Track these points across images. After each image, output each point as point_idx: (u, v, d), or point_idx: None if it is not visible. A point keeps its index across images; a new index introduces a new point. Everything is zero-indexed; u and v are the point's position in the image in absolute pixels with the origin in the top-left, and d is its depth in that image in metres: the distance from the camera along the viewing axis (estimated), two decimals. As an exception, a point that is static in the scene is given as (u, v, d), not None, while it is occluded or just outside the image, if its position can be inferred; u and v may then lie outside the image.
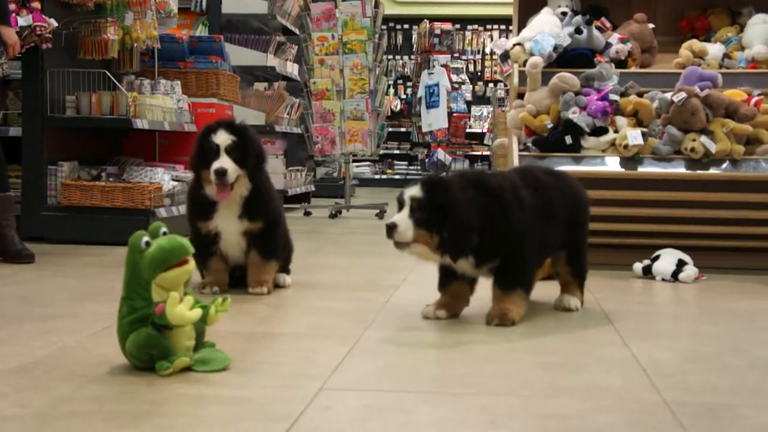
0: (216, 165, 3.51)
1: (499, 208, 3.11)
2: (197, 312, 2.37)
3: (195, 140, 3.65)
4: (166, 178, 5.83)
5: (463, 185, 3.11)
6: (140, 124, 5.63)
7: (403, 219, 3.00)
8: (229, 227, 3.65)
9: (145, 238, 2.39)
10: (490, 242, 3.10)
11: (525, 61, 5.18)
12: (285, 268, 3.99)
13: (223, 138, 3.54)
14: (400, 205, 3.06)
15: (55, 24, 5.29)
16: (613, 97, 4.77)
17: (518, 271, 3.20)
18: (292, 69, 9.39)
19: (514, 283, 3.20)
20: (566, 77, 4.87)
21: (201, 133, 3.62)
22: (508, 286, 3.19)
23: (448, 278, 3.28)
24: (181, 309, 2.33)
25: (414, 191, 3.03)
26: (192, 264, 2.40)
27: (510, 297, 3.18)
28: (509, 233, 3.12)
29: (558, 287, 3.58)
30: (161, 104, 5.96)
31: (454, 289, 3.28)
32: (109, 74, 5.72)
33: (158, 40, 6.24)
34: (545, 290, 3.69)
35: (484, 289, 3.31)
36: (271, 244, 3.73)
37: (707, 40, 5.54)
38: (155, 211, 5.49)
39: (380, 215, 8.11)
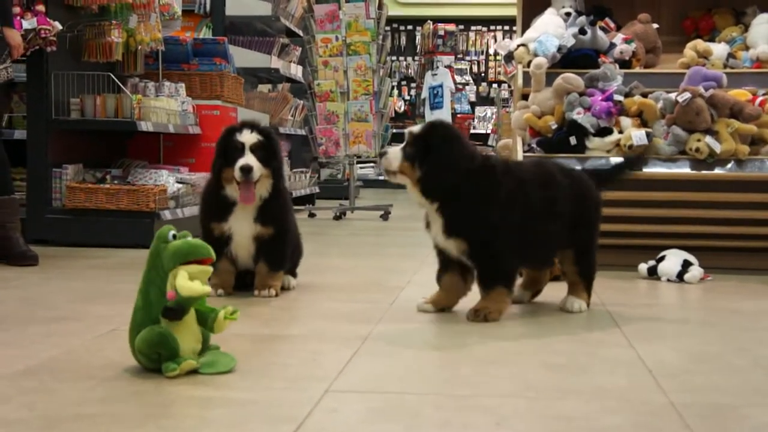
0: (241, 162, 3.52)
1: (487, 187, 3.20)
2: (206, 288, 2.40)
3: (217, 140, 3.65)
4: (170, 181, 5.83)
5: (469, 146, 3.28)
6: (145, 126, 5.64)
7: (394, 149, 3.22)
8: (243, 230, 3.64)
9: (173, 232, 2.43)
10: (460, 212, 3.18)
11: (529, 62, 5.18)
12: (292, 272, 3.99)
13: (248, 137, 3.56)
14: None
15: (60, 27, 5.30)
16: (618, 97, 4.76)
17: (496, 268, 3.26)
18: (296, 71, 9.40)
19: (493, 281, 3.26)
20: (570, 78, 4.86)
21: (224, 133, 3.64)
22: (488, 284, 3.26)
23: (442, 270, 3.37)
24: (191, 283, 2.36)
25: (416, 128, 3.26)
26: (211, 268, 2.44)
27: (490, 295, 3.25)
28: (483, 217, 3.19)
29: (564, 288, 3.57)
30: (165, 106, 5.97)
31: (446, 282, 3.38)
32: (113, 77, 5.73)
33: (162, 43, 6.25)
34: (551, 291, 3.68)
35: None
36: (279, 255, 3.73)
37: (711, 40, 5.53)
38: (160, 213, 5.49)
39: (385, 217, 8.11)
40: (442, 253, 3.33)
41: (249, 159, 3.53)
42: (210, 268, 2.44)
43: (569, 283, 3.55)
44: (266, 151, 3.58)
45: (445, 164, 3.15)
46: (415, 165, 3.17)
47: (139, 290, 2.45)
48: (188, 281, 2.36)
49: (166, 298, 2.38)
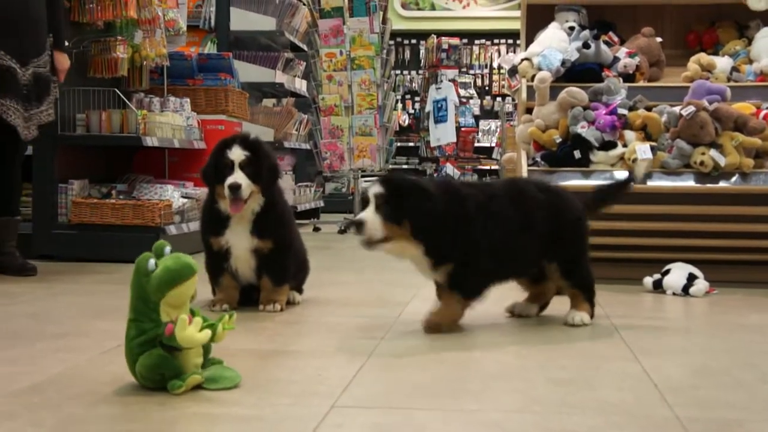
0: (230, 180, 3.53)
1: (459, 213, 3.20)
2: (206, 333, 2.38)
3: (209, 155, 3.67)
4: (175, 196, 5.85)
5: (427, 183, 3.26)
6: (150, 141, 5.66)
7: (369, 215, 3.08)
8: (240, 243, 3.65)
9: (152, 261, 2.39)
10: (445, 245, 3.17)
11: (533, 76, 5.19)
12: (298, 289, 3.99)
13: (237, 153, 3.56)
14: (365, 204, 3.14)
15: (65, 43, 5.32)
16: (622, 111, 4.77)
17: (466, 278, 3.26)
18: (301, 85, 9.43)
19: (456, 287, 3.26)
20: (574, 92, 4.87)
21: (215, 148, 3.65)
22: (451, 288, 3.26)
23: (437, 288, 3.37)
24: (191, 332, 2.34)
25: (376, 188, 3.13)
26: (195, 278, 2.42)
27: (446, 301, 3.28)
28: (465, 240, 3.19)
29: (562, 302, 3.57)
30: (171, 122, 5.98)
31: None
32: (118, 92, 5.75)
33: (167, 58, 6.28)
34: (555, 305, 3.68)
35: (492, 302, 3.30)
36: (282, 271, 3.73)
37: (715, 53, 5.54)
38: (165, 228, 5.50)
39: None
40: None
41: (237, 176, 3.53)
42: (194, 279, 2.41)
43: (569, 296, 3.55)
44: (255, 167, 3.57)
45: (428, 204, 3.13)
46: (402, 221, 3.09)
47: (130, 320, 2.42)
48: (188, 331, 2.33)
49: (163, 332, 2.35)
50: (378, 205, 3.09)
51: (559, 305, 3.63)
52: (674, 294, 4.36)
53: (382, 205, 3.09)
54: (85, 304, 3.90)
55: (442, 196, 3.19)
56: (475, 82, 15.49)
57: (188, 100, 6.42)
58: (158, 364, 2.35)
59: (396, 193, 3.11)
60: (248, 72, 8.23)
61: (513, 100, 10.52)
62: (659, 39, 5.57)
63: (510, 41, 15.39)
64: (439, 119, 12.81)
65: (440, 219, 3.14)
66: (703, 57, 5.35)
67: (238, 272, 3.71)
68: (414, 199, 3.12)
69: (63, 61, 4.95)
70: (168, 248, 2.43)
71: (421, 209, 3.11)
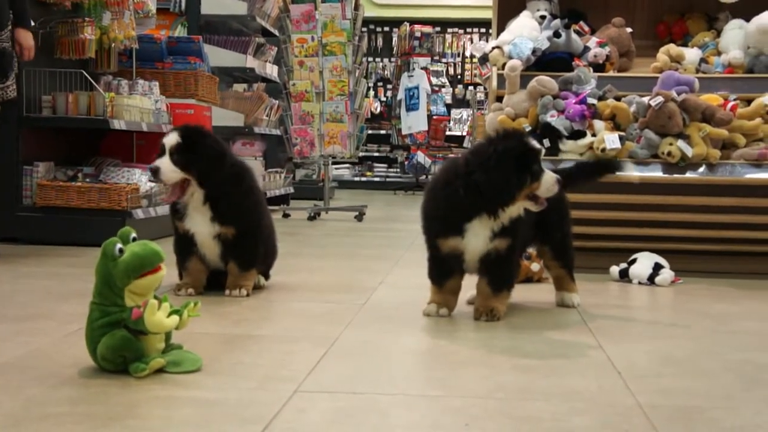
0: (153, 164, 3.53)
1: None
2: (174, 320, 2.37)
3: None
4: (143, 179, 5.79)
5: None
6: (117, 124, 5.60)
7: None
8: (201, 229, 3.64)
9: (118, 245, 2.37)
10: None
11: (504, 65, 5.19)
12: (265, 274, 3.97)
13: (169, 139, 3.54)
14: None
15: (32, 23, 5.24)
16: (591, 100, 4.78)
17: (509, 271, 3.31)
18: (272, 70, 9.38)
19: (504, 284, 3.31)
20: (544, 81, 4.88)
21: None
22: (499, 286, 3.29)
23: (444, 273, 3.34)
24: (160, 317, 2.33)
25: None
26: (164, 271, 2.41)
27: (498, 297, 3.29)
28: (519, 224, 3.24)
29: (530, 290, 3.59)
30: (139, 105, 5.93)
31: (450, 286, 3.35)
32: (86, 74, 5.68)
33: (136, 41, 6.21)
34: (522, 293, 3.69)
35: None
36: (248, 256, 3.71)
37: (684, 44, 5.56)
38: (132, 212, 5.45)
39: (359, 218, 8.11)
40: (445, 261, 3.30)
41: (161, 161, 3.50)
42: (162, 273, 2.40)
43: (555, 277, 3.67)
44: (186, 154, 3.51)
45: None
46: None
47: (94, 303, 2.40)
48: (157, 316, 2.32)
49: (129, 317, 2.34)
50: None
51: (521, 293, 3.65)
52: (640, 283, 4.39)
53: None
54: (48, 288, 3.86)
55: None
56: (447, 70, 15.50)
57: (157, 83, 6.36)
58: (121, 346, 2.33)
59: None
60: (219, 56, 8.17)
61: (484, 89, 10.53)
62: (629, 29, 5.59)
63: (483, 30, 15.40)
64: (411, 107, 12.82)
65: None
66: (672, 48, 5.37)
67: (206, 257, 3.69)
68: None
69: (26, 38, 4.79)
70: (133, 235, 2.42)
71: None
